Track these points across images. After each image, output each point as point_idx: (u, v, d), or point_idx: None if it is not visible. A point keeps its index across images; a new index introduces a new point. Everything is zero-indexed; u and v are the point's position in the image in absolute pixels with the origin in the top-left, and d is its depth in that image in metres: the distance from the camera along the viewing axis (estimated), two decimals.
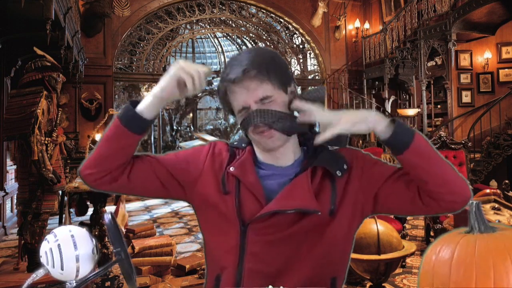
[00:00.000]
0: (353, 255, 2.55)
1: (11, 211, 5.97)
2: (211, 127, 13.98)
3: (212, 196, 1.02)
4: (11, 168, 5.83)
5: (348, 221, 1.00)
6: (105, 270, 0.91)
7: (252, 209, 0.97)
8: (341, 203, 0.98)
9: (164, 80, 0.97)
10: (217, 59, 14.22)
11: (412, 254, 2.83)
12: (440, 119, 9.41)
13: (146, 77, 9.53)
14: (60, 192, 4.12)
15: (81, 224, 3.75)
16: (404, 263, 3.68)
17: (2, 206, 5.48)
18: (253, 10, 10.21)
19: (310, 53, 10.83)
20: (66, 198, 4.29)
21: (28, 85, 3.54)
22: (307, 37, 10.29)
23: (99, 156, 0.99)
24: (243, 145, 1.07)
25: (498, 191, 3.68)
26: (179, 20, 9.54)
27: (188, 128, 13.77)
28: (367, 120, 0.92)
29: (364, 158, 1.02)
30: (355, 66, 10.38)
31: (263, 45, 10.80)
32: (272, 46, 10.49)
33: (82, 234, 0.91)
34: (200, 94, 14.13)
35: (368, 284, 2.89)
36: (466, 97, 8.17)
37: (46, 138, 3.57)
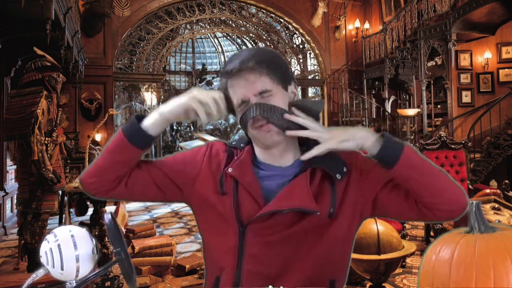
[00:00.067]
0: (353, 255, 2.55)
1: (11, 211, 5.97)
2: (211, 127, 13.96)
3: (210, 197, 1.01)
4: (11, 168, 5.83)
5: (347, 223, 0.99)
6: (105, 270, 0.91)
7: (251, 210, 0.97)
8: (341, 205, 0.98)
9: (174, 104, 0.98)
10: (217, 59, 14.22)
11: (412, 254, 2.83)
12: (440, 119, 9.41)
13: (146, 77, 9.53)
14: (60, 192, 4.12)
15: (81, 224, 3.75)
16: (404, 263, 3.68)
17: (2, 206, 5.48)
18: (253, 10, 10.21)
19: (310, 53, 10.83)
20: (66, 198, 4.29)
21: (28, 85, 3.54)
22: (307, 37, 10.29)
23: (100, 167, 1.00)
24: (241, 145, 1.06)
25: (498, 191, 3.68)
26: (179, 20, 9.54)
27: (188, 128, 13.76)
28: (355, 137, 0.92)
29: (364, 161, 1.01)
30: (355, 66, 10.38)
31: (263, 45, 10.80)
32: (272, 46, 10.49)
33: (82, 234, 0.91)
34: None
35: (368, 284, 2.89)
36: (466, 97, 8.18)
37: (46, 138, 3.57)
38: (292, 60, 10.82)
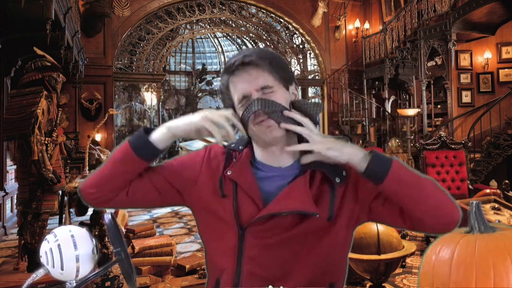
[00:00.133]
0: (353, 255, 2.56)
1: (11, 211, 5.97)
2: None
3: (210, 201, 1.01)
4: (11, 168, 5.83)
5: (346, 226, 0.99)
6: (105, 270, 0.91)
7: (250, 212, 0.97)
8: (340, 209, 0.97)
9: (184, 122, 0.98)
10: (217, 59, 14.22)
11: (412, 254, 2.83)
12: (440, 119, 9.41)
13: (146, 77, 9.54)
14: (60, 192, 4.12)
15: (81, 224, 3.75)
16: (404, 263, 3.68)
17: (2, 206, 5.48)
18: (253, 10, 10.21)
19: (310, 53, 10.83)
20: (66, 198, 4.29)
21: (28, 85, 3.53)
22: (307, 37, 10.29)
23: (101, 177, 1.00)
24: (240, 147, 1.06)
25: (498, 191, 3.69)
26: (179, 20, 9.54)
27: None
28: (342, 151, 0.92)
29: None
30: (355, 66, 10.38)
31: (263, 45, 10.80)
32: (272, 46, 10.49)
33: (82, 234, 0.91)
34: (200, 94, 14.14)
35: (368, 284, 2.89)
36: (466, 97, 8.17)
37: (46, 138, 3.57)
38: (292, 60, 10.82)
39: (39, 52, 3.65)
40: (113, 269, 3.07)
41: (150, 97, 10.45)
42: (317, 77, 10.76)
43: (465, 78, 8.20)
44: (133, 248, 3.60)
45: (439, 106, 9.72)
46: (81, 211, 3.60)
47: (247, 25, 10.54)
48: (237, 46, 13.28)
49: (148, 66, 9.50)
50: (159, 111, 10.30)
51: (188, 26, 10.34)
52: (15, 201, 5.62)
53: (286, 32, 10.77)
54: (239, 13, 10.06)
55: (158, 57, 9.58)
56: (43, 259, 0.88)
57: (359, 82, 10.35)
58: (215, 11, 9.79)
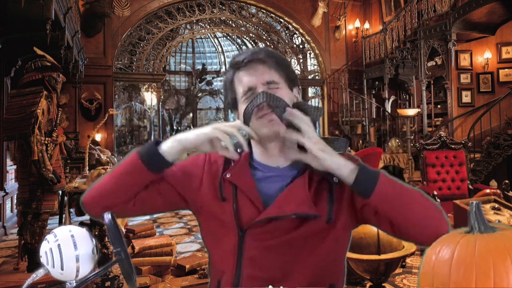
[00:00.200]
0: (353, 255, 2.56)
1: (11, 211, 5.97)
2: None
3: (211, 205, 1.02)
4: (11, 168, 5.83)
5: (345, 227, 0.99)
6: (105, 270, 0.91)
7: (250, 215, 0.97)
8: (338, 209, 0.97)
9: (196, 133, 0.97)
10: (217, 59, 14.22)
11: (412, 254, 2.83)
12: (440, 119, 9.41)
13: (146, 77, 9.54)
14: (60, 192, 4.13)
15: (81, 224, 3.75)
16: (404, 263, 3.68)
17: (2, 206, 5.48)
18: (253, 10, 10.22)
19: (310, 53, 10.83)
20: (66, 198, 4.29)
21: (28, 85, 3.54)
22: (307, 37, 10.29)
23: (105, 189, 1.00)
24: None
25: (498, 191, 3.69)
26: (179, 20, 9.54)
27: (188, 128, 13.77)
28: (332, 158, 0.91)
29: None
30: (355, 66, 10.38)
31: (263, 45, 10.80)
32: (272, 46, 10.49)
33: (82, 234, 0.91)
34: (200, 94, 14.14)
35: (368, 284, 2.89)
36: (466, 97, 8.17)
37: (46, 138, 3.57)
38: (292, 60, 10.82)
39: (39, 52, 3.65)
40: (113, 269, 3.07)
41: (150, 97, 10.45)
42: (317, 77, 10.76)
43: (465, 78, 8.20)
44: (133, 248, 3.60)
45: (439, 106, 9.73)
46: (81, 211, 3.59)
47: (247, 25, 10.55)
48: (237, 46, 13.27)
49: (148, 66, 9.50)
50: (159, 111, 10.30)
51: (188, 26, 10.34)
52: (15, 201, 5.62)
53: (286, 32, 10.77)
54: (239, 13, 10.06)
55: (158, 57, 9.58)
56: (43, 259, 0.88)
57: (359, 82, 10.35)
58: (215, 11, 9.79)
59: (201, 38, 13.47)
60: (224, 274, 1.00)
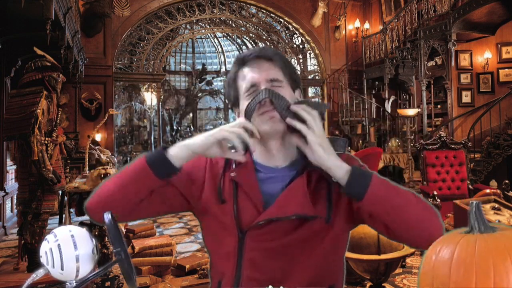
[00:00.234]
0: (353, 255, 2.56)
1: (11, 211, 5.97)
2: (211, 127, 13.96)
3: (212, 206, 1.02)
4: (11, 168, 5.83)
5: (344, 227, 1.00)
6: (105, 270, 0.91)
7: (250, 216, 0.97)
8: (337, 209, 0.98)
9: (204, 136, 0.96)
10: (217, 59, 14.22)
11: (412, 254, 2.84)
12: (440, 119, 9.41)
13: (146, 77, 9.53)
14: (60, 192, 4.13)
15: (81, 224, 3.75)
16: (404, 263, 3.68)
17: (2, 206, 5.48)
18: (253, 10, 10.21)
19: (310, 53, 10.83)
20: (66, 198, 4.29)
21: (28, 85, 3.54)
22: (307, 37, 10.29)
23: (110, 195, 0.98)
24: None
25: (498, 191, 3.68)
26: (179, 20, 9.54)
27: (188, 128, 13.77)
28: (329, 156, 0.91)
29: None
30: (355, 66, 10.38)
31: (263, 45, 10.79)
32: (272, 46, 10.48)
33: (82, 234, 0.91)
34: (200, 94, 14.14)
35: (368, 284, 2.89)
36: (466, 97, 8.17)
37: (46, 138, 3.57)
38: (292, 60, 10.81)
39: (39, 52, 3.65)
40: (113, 269, 3.07)
41: (150, 97, 10.44)
42: (317, 77, 10.76)
43: (465, 78, 8.20)
44: (133, 248, 3.60)
45: (439, 106, 9.73)
46: (81, 211, 3.59)
47: (247, 25, 10.54)
48: (237, 46, 13.28)
49: (148, 66, 9.50)
50: (159, 111, 10.29)
51: (188, 26, 10.34)
52: (15, 201, 5.62)
53: (286, 32, 10.77)
54: (239, 13, 10.06)
55: (158, 57, 9.58)
56: (43, 259, 0.88)
57: (359, 82, 10.35)
58: (215, 11, 9.79)
59: (201, 38, 13.47)
60: (224, 275, 1.00)
